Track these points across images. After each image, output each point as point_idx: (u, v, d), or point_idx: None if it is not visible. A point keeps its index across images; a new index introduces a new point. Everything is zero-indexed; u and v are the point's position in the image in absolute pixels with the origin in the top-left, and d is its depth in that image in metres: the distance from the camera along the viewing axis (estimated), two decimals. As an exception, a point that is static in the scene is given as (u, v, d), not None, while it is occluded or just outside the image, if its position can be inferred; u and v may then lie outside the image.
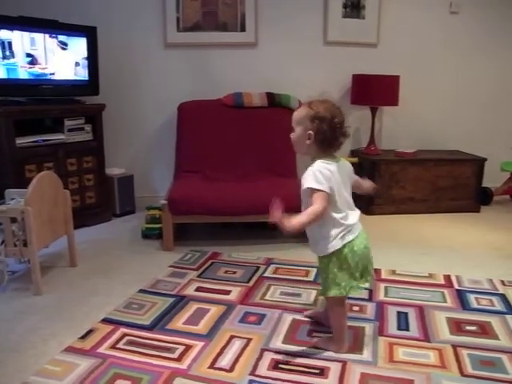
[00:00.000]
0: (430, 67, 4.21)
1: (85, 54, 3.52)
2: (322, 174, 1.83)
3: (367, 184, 2.13)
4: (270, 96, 3.79)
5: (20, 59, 3.20)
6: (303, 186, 1.86)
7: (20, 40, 3.17)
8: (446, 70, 4.23)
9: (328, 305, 2.03)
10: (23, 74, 3.24)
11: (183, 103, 3.77)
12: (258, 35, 3.98)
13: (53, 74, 3.39)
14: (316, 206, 1.79)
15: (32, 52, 3.26)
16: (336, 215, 1.87)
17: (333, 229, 1.87)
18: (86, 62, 3.54)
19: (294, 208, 3.05)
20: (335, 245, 1.87)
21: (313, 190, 1.82)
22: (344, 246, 1.87)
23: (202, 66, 3.99)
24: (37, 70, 3.31)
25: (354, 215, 1.93)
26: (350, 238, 1.88)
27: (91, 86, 3.59)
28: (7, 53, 3.13)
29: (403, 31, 4.12)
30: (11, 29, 3.10)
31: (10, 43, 3.14)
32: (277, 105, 3.78)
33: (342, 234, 1.88)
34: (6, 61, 3.14)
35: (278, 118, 3.74)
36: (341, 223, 1.87)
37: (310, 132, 1.88)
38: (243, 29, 3.96)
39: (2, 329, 2.15)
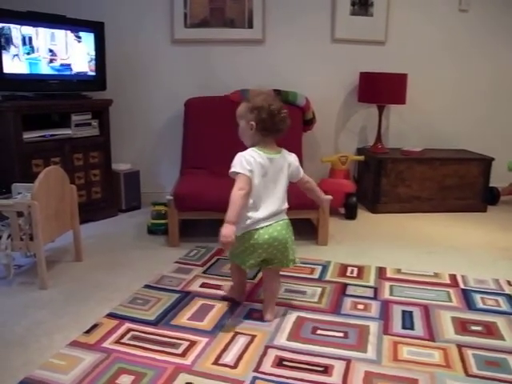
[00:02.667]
0: (438, 65, 4.18)
1: (92, 49, 3.52)
2: (245, 159, 2.02)
3: (323, 198, 2.37)
4: (277, 93, 3.76)
5: (42, 54, 3.25)
6: (231, 169, 2.05)
7: (42, 35, 3.24)
8: (454, 68, 4.21)
9: (230, 263, 2.30)
10: (45, 68, 3.29)
11: (190, 99, 3.77)
12: (266, 32, 3.98)
13: (69, 66, 3.43)
14: (234, 189, 1.99)
15: (52, 47, 3.31)
16: (251, 201, 2.04)
17: (245, 213, 2.03)
18: (93, 57, 3.54)
19: (299, 204, 3.08)
20: (239, 230, 2.01)
21: (235, 174, 2.02)
22: (245, 232, 2.05)
23: (209, 63, 3.99)
24: (57, 64, 3.35)
25: (268, 208, 2.06)
26: (252, 227, 2.05)
27: (98, 81, 3.60)
28: (27, 47, 3.18)
29: (412, 29, 4.10)
30: (21, 24, 3.11)
31: (30, 38, 3.18)
32: (284, 102, 3.71)
33: (247, 223, 2.04)
34: (27, 56, 3.18)
35: (285, 115, 3.74)
36: (247, 212, 2.04)
37: (252, 122, 2.06)
38: (251, 25, 3.95)
39: (7, 322, 2.16)
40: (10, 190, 2.79)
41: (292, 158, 2.17)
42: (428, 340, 2.03)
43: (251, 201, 2.04)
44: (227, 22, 3.94)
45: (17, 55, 3.13)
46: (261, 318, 2.19)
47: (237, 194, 1.98)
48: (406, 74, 3.87)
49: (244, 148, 2.13)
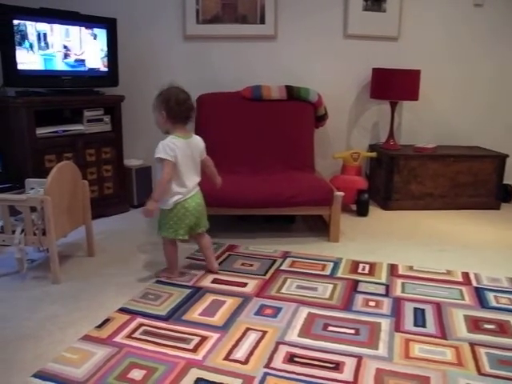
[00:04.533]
0: (452, 61, 4.14)
1: (105, 45, 3.54)
2: (168, 147, 2.38)
3: (218, 182, 2.73)
4: (289, 89, 3.76)
5: (56, 50, 3.28)
6: (155, 154, 2.39)
7: (56, 31, 3.27)
8: (468, 64, 4.16)
9: (163, 242, 2.58)
10: (60, 64, 3.32)
11: (202, 95, 3.76)
12: (278, 28, 3.96)
13: (82, 62, 3.46)
14: (162, 174, 2.38)
15: (66, 43, 3.34)
16: (175, 181, 2.42)
17: (171, 191, 2.42)
18: (106, 53, 3.56)
19: (311, 201, 3.07)
20: (169, 205, 2.44)
21: (161, 159, 2.37)
22: (175, 205, 2.44)
23: (221, 59, 3.98)
24: (71, 60, 3.38)
25: (192, 181, 2.50)
26: (181, 199, 2.45)
27: (111, 77, 3.61)
28: (42, 44, 3.20)
29: (425, 24, 4.06)
30: (35, 20, 3.13)
31: (45, 34, 3.20)
32: (296, 98, 3.75)
33: (177, 198, 2.44)
34: (42, 51, 3.20)
35: (297, 112, 3.74)
36: (175, 189, 2.42)
37: (163, 112, 2.44)
38: (263, 21, 3.94)
39: (20, 316, 2.18)
40: (23, 185, 2.81)
41: (199, 139, 2.59)
42: (440, 338, 2.02)
43: (179, 179, 2.43)
44: (239, 17, 3.93)
45: (32, 51, 3.15)
46: (272, 315, 2.19)
47: (165, 179, 2.38)
48: (419, 70, 3.84)
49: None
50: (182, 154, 2.42)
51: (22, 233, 2.49)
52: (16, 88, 3.19)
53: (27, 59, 3.13)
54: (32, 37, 3.13)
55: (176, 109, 2.43)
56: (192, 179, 2.51)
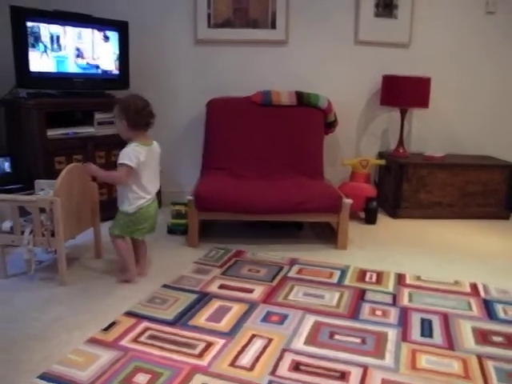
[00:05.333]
0: (463, 69, 4.12)
1: (117, 48, 3.56)
2: (132, 154, 2.44)
3: None
4: (299, 95, 3.76)
5: (69, 52, 3.31)
6: (118, 160, 2.46)
7: (69, 34, 3.30)
8: (480, 72, 4.14)
9: (113, 242, 2.61)
10: (72, 66, 3.35)
11: (212, 99, 3.77)
12: (289, 33, 3.97)
13: (94, 65, 3.48)
14: (117, 173, 2.48)
15: (79, 45, 3.36)
16: (137, 186, 2.50)
17: (132, 196, 2.50)
18: (117, 56, 3.58)
19: (319, 208, 3.07)
20: (132, 209, 2.51)
21: (121, 164, 2.44)
22: (139, 209, 2.52)
23: (231, 63, 3.99)
24: (83, 62, 3.41)
25: (153, 188, 2.59)
26: (145, 204, 2.53)
27: (121, 79, 3.63)
28: (55, 46, 3.23)
29: (436, 31, 4.05)
30: (48, 22, 3.16)
31: (58, 37, 3.23)
32: (305, 104, 3.75)
33: (141, 202, 2.52)
34: (55, 53, 3.23)
35: (306, 118, 3.74)
36: (139, 194, 2.51)
37: (123, 121, 2.47)
38: (274, 26, 3.95)
39: (28, 317, 2.19)
40: (33, 187, 2.83)
41: (158, 145, 2.65)
42: (447, 349, 2.01)
43: (142, 184, 2.51)
44: (250, 22, 3.94)
45: (44, 53, 3.17)
46: (278, 322, 2.19)
47: (118, 180, 2.49)
48: (429, 77, 3.83)
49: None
50: (144, 161, 2.49)
51: (31, 234, 2.50)
52: (28, 89, 3.21)
53: (40, 61, 3.16)
54: (45, 39, 3.16)
55: (136, 116, 2.48)
56: (154, 184, 2.61)
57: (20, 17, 3.03)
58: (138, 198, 2.51)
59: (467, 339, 2.08)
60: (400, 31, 4.03)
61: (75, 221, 2.65)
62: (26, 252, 2.51)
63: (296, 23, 3.96)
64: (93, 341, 1.99)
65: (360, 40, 4.03)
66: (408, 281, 2.68)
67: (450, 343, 2.05)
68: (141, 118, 2.50)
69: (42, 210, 2.48)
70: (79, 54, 3.36)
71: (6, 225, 2.59)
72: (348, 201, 3.10)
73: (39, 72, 3.17)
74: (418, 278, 2.71)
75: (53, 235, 2.49)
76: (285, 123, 3.71)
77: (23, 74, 3.10)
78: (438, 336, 2.10)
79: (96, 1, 3.70)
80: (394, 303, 2.41)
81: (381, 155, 4.17)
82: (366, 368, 1.85)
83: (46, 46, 3.17)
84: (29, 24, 3.06)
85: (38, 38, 3.12)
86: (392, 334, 2.11)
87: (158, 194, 3.85)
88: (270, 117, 3.72)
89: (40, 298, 2.37)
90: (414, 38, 4.05)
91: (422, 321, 2.23)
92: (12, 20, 3.01)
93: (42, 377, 1.75)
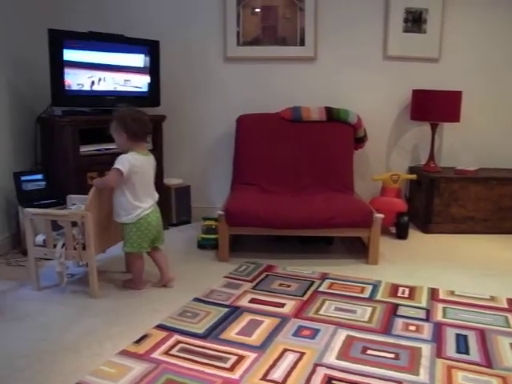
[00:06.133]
0: (494, 82, 4.06)
1: (148, 66, 3.63)
2: (128, 161, 2.50)
3: None
4: (329, 110, 3.76)
5: (102, 71, 3.43)
6: (114, 165, 2.51)
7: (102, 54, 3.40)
8: (510, 85, 4.07)
9: (128, 257, 2.77)
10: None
11: (242, 116, 3.80)
12: (318, 49, 3.98)
13: (126, 83, 3.57)
14: (107, 177, 2.58)
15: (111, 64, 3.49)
16: (132, 195, 2.54)
17: (128, 206, 2.55)
18: (148, 73, 3.65)
19: (350, 223, 3.04)
20: (130, 218, 2.55)
21: (113, 168, 2.49)
22: (139, 219, 2.55)
23: (260, 80, 4.02)
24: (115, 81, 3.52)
25: (149, 197, 2.64)
26: (144, 213, 2.57)
27: (152, 97, 3.69)
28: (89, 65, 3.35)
29: (467, 45, 4.00)
30: (83, 43, 3.27)
31: (92, 56, 3.36)
32: (335, 119, 3.75)
33: (138, 212, 2.55)
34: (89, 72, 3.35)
35: (336, 133, 3.73)
36: (134, 203, 2.55)
37: (122, 133, 2.54)
38: (302, 43, 3.97)
39: (60, 329, 2.22)
40: (65, 201, 2.88)
41: (153, 157, 2.71)
42: (485, 366, 1.94)
43: (137, 193, 2.56)
44: (279, 40, 3.97)
45: (79, 72, 3.26)
46: (310, 336, 2.16)
47: (108, 182, 2.56)
48: (460, 91, 3.79)
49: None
50: (141, 171, 2.56)
51: (63, 247, 2.55)
52: (62, 107, 3.30)
53: (74, 80, 3.24)
54: (80, 58, 3.25)
55: (135, 127, 2.54)
56: (150, 194, 2.66)
57: (57, 39, 3.13)
58: (135, 207, 2.55)
59: (506, 356, 2.02)
60: (429, 46, 4.01)
61: (106, 234, 2.68)
62: (58, 265, 2.55)
63: (325, 40, 3.97)
64: (124, 353, 2.00)
65: (389, 55, 4.01)
66: (441, 296, 2.62)
67: (488, 360, 1.99)
68: (140, 127, 2.56)
69: (74, 224, 2.53)
70: (112, 73, 3.44)
71: (39, 238, 2.65)
72: (379, 215, 3.06)
73: (73, 90, 3.25)
74: (452, 293, 2.65)
75: (84, 249, 2.53)
76: (314, 139, 3.71)
77: (58, 92, 3.19)
78: (474, 353, 2.05)
79: (128, 21, 3.79)
80: (428, 318, 2.36)
81: (411, 170, 4.13)
82: (400, 383, 1.81)
83: (80, 65, 3.26)
84: (65, 45, 3.15)
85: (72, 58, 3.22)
86: (426, 350, 2.06)
87: (186, 209, 3.96)
88: (299, 132, 3.72)
89: (72, 311, 2.40)
90: (443, 52, 4.02)
91: (457, 337, 2.18)
92: (50, 42, 3.11)
93: (75, 387, 1.76)
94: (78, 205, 2.73)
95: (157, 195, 2.72)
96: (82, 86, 3.30)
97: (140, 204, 2.57)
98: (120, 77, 3.51)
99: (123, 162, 2.50)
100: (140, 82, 3.63)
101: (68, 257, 2.57)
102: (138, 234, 2.58)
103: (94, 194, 2.55)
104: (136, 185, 2.55)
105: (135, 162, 2.53)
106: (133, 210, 2.55)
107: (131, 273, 2.74)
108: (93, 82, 3.35)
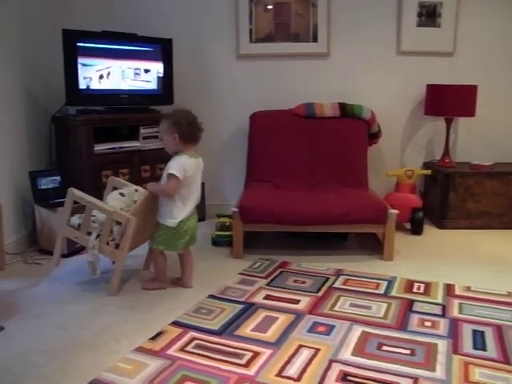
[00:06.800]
0: (509, 76, 4.01)
1: (161, 64, 3.65)
2: (182, 166, 2.47)
3: None
4: (342, 106, 3.75)
5: (116, 69, 3.46)
6: (168, 170, 2.48)
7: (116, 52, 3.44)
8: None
9: (153, 254, 2.69)
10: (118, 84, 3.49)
11: (255, 112, 3.81)
12: (330, 45, 3.97)
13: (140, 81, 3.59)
14: (167, 186, 2.49)
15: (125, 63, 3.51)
16: (180, 200, 2.52)
17: (176, 210, 2.52)
18: (161, 72, 3.67)
19: (365, 219, 3.03)
20: (173, 222, 2.52)
21: (171, 175, 2.45)
22: (179, 222, 2.52)
23: (273, 77, 4.02)
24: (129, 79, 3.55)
25: (195, 201, 2.61)
26: (185, 217, 2.54)
27: (166, 95, 3.71)
28: (103, 64, 3.37)
29: (481, 39, 3.96)
30: (97, 42, 3.31)
31: (105, 55, 3.38)
32: (349, 115, 3.73)
33: (184, 215, 2.53)
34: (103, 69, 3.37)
35: (350, 129, 3.72)
36: (182, 207, 2.53)
37: (175, 134, 2.49)
38: (315, 39, 3.96)
39: (78, 325, 2.24)
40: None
41: (201, 160, 2.65)
42: (502, 363, 1.93)
43: (186, 197, 2.55)
44: (292, 36, 3.96)
45: (93, 71, 3.29)
46: (325, 332, 2.16)
47: (169, 191, 2.49)
48: (475, 85, 3.75)
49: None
50: (192, 174, 2.53)
51: (97, 238, 2.56)
52: (77, 107, 3.32)
53: (88, 80, 3.27)
54: (94, 58, 3.27)
55: (189, 130, 2.52)
56: (194, 199, 2.62)
57: (71, 38, 3.16)
58: (181, 212, 2.53)
59: (523, 352, 2.00)
60: (444, 40, 3.97)
61: (139, 237, 2.67)
62: (90, 255, 2.56)
63: (337, 36, 3.95)
64: (140, 350, 2.02)
65: (403, 50, 3.98)
66: (457, 291, 2.61)
67: (506, 357, 1.97)
68: (194, 131, 2.54)
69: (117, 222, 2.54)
70: (126, 72, 3.47)
71: (75, 220, 2.64)
72: (394, 211, 3.05)
73: (87, 89, 3.28)
74: (468, 289, 2.63)
75: (117, 247, 2.55)
76: (328, 135, 3.70)
77: (73, 92, 3.22)
78: (491, 349, 2.03)
79: (141, 20, 3.80)
80: (444, 314, 2.34)
81: (426, 165, 4.10)
82: (416, 379, 1.80)
83: (94, 65, 3.29)
84: (79, 45, 3.18)
85: (87, 58, 3.24)
86: (442, 346, 2.05)
87: (200, 207, 3.96)
88: (313, 129, 3.72)
89: (89, 308, 2.42)
90: (458, 46, 3.98)
91: (474, 333, 2.16)
92: (64, 42, 3.14)
93: (92, 383, 1.78)
94: (116, 193, 2.71)
95: (200, 199, 2.69)
96: (90, 79, 3.30)
97: (185, 208, 2.55)
98: (132, 73, 3.53)
99: (179, 169, 2.46)
100: (153, 81, 3.64)
101: (100, 250, 2.56)
102: (177, 236, 2.56)
103: (145, 200, 2.55)
104: (186, 190, 2.53)
105: (188, 167, 2.49)
106: (178, 215, 2.52)
107: (154, 271, 2.72)
108: (101, 76, 3.36)
